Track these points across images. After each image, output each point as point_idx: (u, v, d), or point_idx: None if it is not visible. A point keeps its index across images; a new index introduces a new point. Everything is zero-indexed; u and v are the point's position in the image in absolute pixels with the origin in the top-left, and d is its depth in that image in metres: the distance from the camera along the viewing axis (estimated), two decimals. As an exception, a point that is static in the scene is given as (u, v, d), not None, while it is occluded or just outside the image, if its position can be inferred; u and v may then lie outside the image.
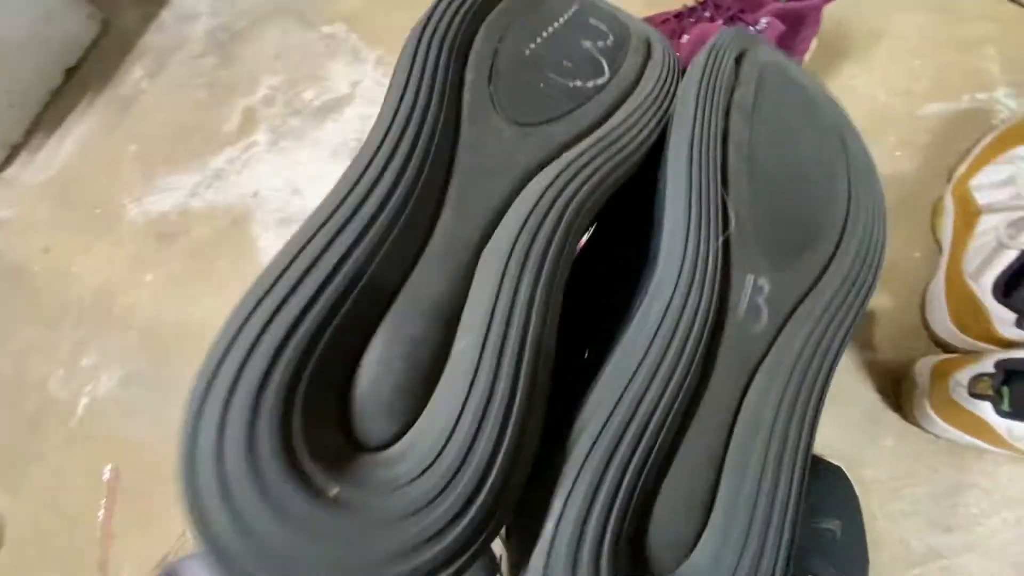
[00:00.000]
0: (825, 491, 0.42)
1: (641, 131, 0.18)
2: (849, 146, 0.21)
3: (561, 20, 0.20)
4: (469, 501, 0.12)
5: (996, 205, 0.42)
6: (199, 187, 0.70)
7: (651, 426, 0.14)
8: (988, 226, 0.42)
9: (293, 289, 0.13)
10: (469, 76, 0.18)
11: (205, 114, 0.73)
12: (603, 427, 0.14)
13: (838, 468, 0.43)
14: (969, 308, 0.43)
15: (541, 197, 0.16)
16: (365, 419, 0.14)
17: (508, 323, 0.14)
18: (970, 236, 0.43)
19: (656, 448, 0.14)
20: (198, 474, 0.12)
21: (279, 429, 0.12)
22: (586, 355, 0.19)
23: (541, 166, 0.17)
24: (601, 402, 0.14)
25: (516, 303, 0.14)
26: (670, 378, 0.14)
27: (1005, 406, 0.39)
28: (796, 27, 0.42)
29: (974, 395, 0.39)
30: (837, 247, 0.19)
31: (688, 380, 0.15)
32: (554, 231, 0.15)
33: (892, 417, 0.46)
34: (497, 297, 0.14)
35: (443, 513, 0.12)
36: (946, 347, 0.46)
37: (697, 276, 0.15)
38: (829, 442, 0.44)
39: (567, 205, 0.16)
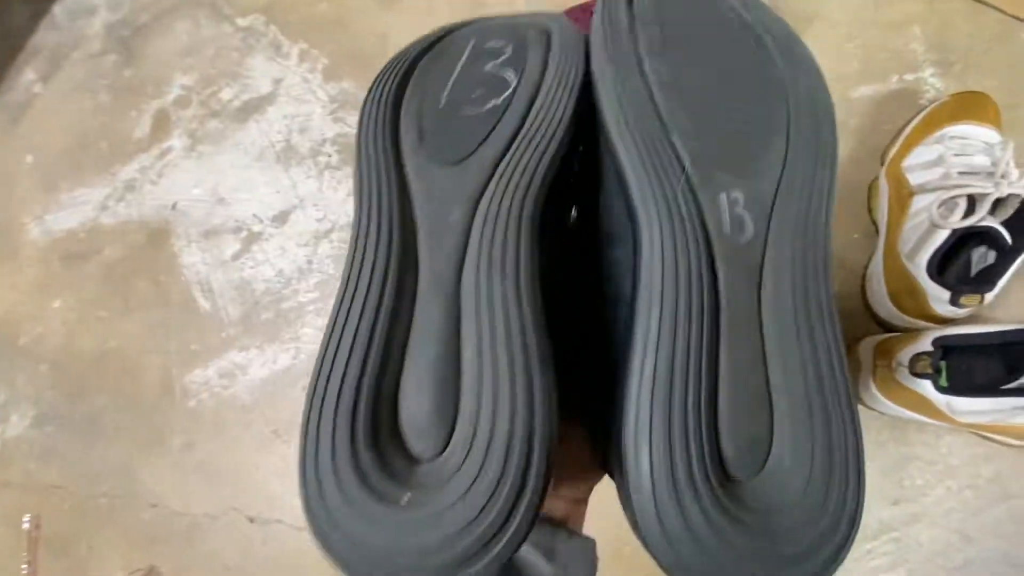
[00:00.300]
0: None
1: (557, 112, 0.21)
2: (769, 28, 0.22)
3: (462, 60, 0.22)
4: (503, 472, 0.16)
5: (928, 185, 0.42)
6: (109, 200, 0.64)
7: (691, 353, 0.17)
8: (921, 206, 0.43)
9: (333, 360, 0.17)
10: (404, 146, 0.21)
11: (110, 119, 0.66)
12: (655, 369, 0.17)
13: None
14: (906, 287, 0.44)
15: (488, 211, 0.19)
16: (417, 439, 0.17)
17: (492, 325, 0.17)
18: (904, 217, 0.44)
19: (704, 368, 0.17)
20: (313, 511, 0.16)
21: (353, 465, 0.16)
22: (601, 315, 0.22)
23: (484, 185, 0.20)
24: (645, 353, 0.17)
25: (494, 304, 0.18)
26: (689, 315, 0.17)
27: (943, 381, 0.40)
28: None
29: (915, 374, 0.40)
30: (788, 129, 0.20)
31: (705, 308, 0.17)
32: (505, 233, 0.19)
33: (840, 398, 0.47)
34: (478, 306, 0.18)
35: (486, 487, 0.16)
36: (886, 326, 0.47)
37: (676, 224, 0.18)
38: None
39: (510, 208, 0.19)
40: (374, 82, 0.22)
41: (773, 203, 0.19)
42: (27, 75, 0.71)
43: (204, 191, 0.62)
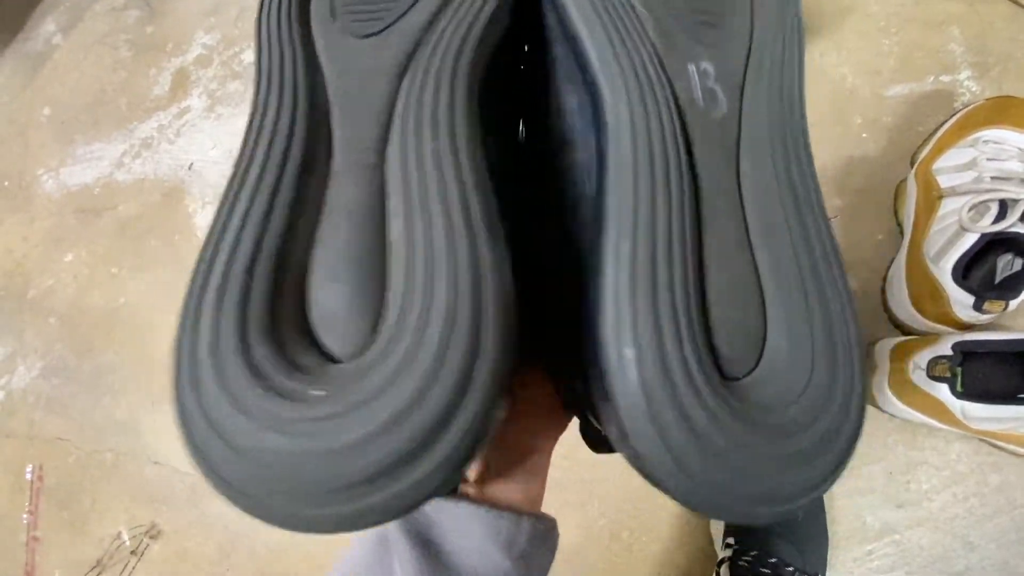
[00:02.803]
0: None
1: None
2: None
3: None
4: (448, 342, 0.13)
5: (958, 189, 0.42)
6: (125, 157, 0.63)
7: (674, 230, 0.15)
8: (950, 209, 0.42)
9: (219, 242, 0.14)
10: (314, 23, 0.18)
11: (130, 75, 0.66)
12: (633, 247, 0.14)
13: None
14: (928, 291, 0.43)
15: (415, 78, 0.16)
16: (332, 336, 0.14)
17: (424, 187, 0.14)
18: (932, 219, 0.43)
19: (689, 249, 0.15)
20: (187, 417, 0.13)
21: (243, 359, 0.13)
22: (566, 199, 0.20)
23: (410, 55, 0.17)
24: (620, 230, 0.15)
25: (424, 165, 0.15)
26: (668, 185, 0.15)
27: (958, 387, 0.40)
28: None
29: (933, 377, 0.40)
30: (752, 5, 0.19)
31: (684, 181, 0.16)
32: (437, 93, 0.16)
33: (852, 398, 0.47)
34: (406, 172, 0.15)
35: (424, 365, 0.12)
36: (904, 329, 0.47)
37: (645, 88, 0.16)
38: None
39: (439, 70, 0.16)
40: None
41: (744, 77, 0.18)
42: (47, 26, 0.70)
43: (221, 153, 0.61)
